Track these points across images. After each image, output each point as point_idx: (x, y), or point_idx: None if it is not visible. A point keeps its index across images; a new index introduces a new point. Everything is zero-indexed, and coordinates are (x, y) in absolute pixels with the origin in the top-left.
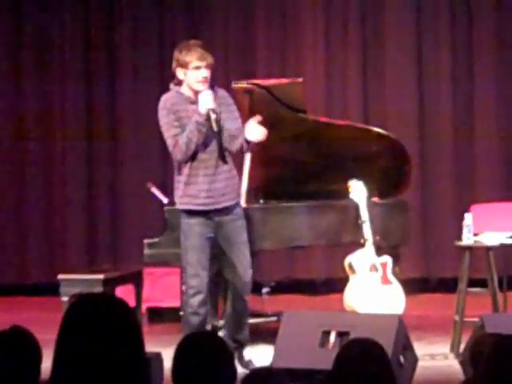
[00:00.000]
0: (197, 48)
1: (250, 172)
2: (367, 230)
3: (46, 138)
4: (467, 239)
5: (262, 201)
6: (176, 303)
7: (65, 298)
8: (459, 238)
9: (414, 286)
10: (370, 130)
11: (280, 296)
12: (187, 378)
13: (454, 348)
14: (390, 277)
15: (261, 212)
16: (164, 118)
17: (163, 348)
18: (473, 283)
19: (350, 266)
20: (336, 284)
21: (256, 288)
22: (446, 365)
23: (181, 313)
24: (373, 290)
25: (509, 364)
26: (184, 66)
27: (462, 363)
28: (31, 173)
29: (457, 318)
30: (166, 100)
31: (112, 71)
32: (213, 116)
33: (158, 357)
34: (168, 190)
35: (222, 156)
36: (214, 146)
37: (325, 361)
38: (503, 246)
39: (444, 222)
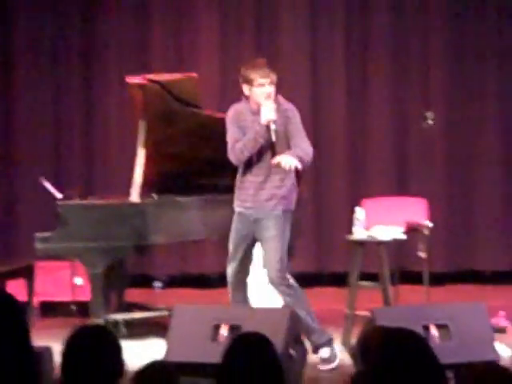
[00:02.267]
0: (261, 66)
1: (144, 166)
2: None
3: None
4: (359, 234)
5: (155, 195)
6: (67, 297)
7: None
8: (351, 232)
9: (306, 280)
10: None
11: (172, 290)
12: (74, 371)
13: (346, 341)
14: None
15: (154, 206)
16: (228, 125)
17: (55, 342)
18: (365, 277)
19: None
20: None
21: (148, 282)
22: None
23: (72, 306)
24: (265, 283)
25: (396, 355)
26: (249, 82)
27: (352, 356)
28: None
29: (348, 311)
30: (232, 109)
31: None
32: (272, 127)
33: (48, 351)
34: (61, 186)
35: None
36: (268, 156)
37: (216, 354)
38: (395, 241)
39: (337, 216)
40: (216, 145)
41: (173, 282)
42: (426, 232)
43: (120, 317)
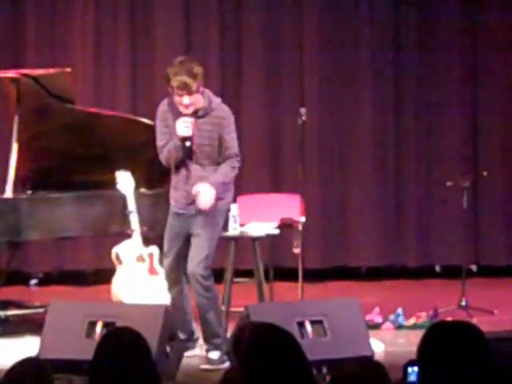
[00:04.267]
0: (182, 73)
1: (18, 162)
2: (134, 220)
3: None
4: (233, 230)
5: (29, 191)
6: None
7: None
8: (225, 228)
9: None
10: (138, 120)
11: (48, 287)
12: None
13: None
14: (157, 267)
15: (28, 202)
16: (156, 123)
17: None
18: (241, 274)
19: (117, 257)
20: (104, 275)
21: (24, 279)
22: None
23: None
24: (139, 280)
25: (264, 350)
26: (170, 86)
27: (227, 352)
28: None
29: (223, 308)
30: (160, 106)
31: None
32: (186, 144)
33: None
34: None
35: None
36: (193, 164)
37: (91, 351)
38: (269, 237)
39: None
40: (90, 141)
41: (49, 279)
42: (300, 228)
43: None
